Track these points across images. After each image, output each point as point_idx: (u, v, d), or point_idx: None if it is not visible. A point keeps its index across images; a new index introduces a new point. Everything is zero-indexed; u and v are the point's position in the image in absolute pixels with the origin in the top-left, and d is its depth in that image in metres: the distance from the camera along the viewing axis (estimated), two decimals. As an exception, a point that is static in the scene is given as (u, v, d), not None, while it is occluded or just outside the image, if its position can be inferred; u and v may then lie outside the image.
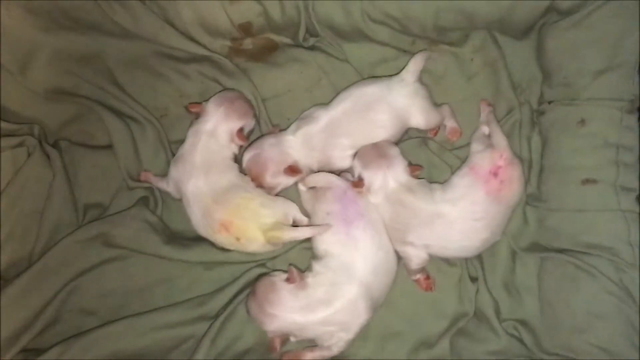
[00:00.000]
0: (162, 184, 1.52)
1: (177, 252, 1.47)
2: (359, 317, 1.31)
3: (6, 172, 1.51)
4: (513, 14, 1.46)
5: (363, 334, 1.41)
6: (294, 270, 1.32)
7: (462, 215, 1.34)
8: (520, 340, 1.39)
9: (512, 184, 1.37)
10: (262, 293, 1.32)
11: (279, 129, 1.55)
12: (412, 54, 1.57)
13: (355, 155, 1.44)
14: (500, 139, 1.40)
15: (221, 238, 1.40)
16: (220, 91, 1.55)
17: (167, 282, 1.48)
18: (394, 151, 1.42)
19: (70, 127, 1.61)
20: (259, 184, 1.45)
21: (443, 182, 1.44)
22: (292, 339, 1.33)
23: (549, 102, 1.47)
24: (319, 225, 1.37)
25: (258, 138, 1.51)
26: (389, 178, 1.38)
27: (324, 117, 1.46)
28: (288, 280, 1.33)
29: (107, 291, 1.46)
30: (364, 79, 1.58)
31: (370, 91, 1.46)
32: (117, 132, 1.55)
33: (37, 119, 1.59)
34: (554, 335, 1.35)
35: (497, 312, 1.42)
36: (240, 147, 1.50)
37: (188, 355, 1.38)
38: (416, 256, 1.39)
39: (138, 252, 1.47)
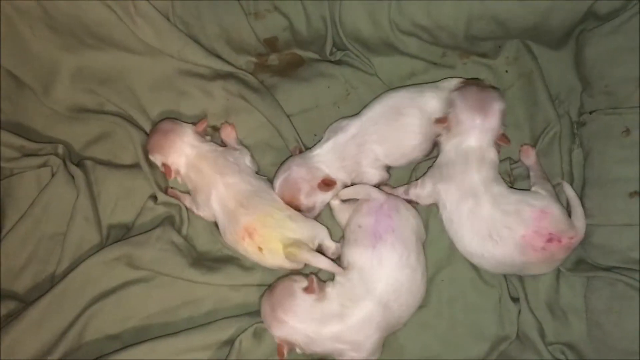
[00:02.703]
0: (191, 205, 1.48)
1: (202, 275, 1.41)
2: (371, 336, 1.24)
3: (30, 192, 1.50)
4: (549, 19, 1.40)
5: (396, 357, 1.36)
6: (314, 280, 1.26)
7: (486, 224, 1.27)
8: (568, 366, 1.30)
9: (549, 262, 1.28)
10: (278, 296, 1.27)
11: (299, 149, 1.50)
12: (443, 66, 1.53)
13: (457, 91, 1.38)
14: (581, 219, 1.30)
15: (245, 246, 1.35)
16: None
17: (191, 304, 1.42)
18: (498, 106, 1.34)
19: (94, 147, 1.59)
20: (297, 208, 1.39)
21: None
22: (298, 350, 1.26)
23: (590, 112, 1.41)
24: (337, 265, 1.30)
25: (284, 161, 1.46)
26: (480, 135, 1.33)
27: (354, 125, 1.41)
28: (307, 290, 1.26)
29: (130, 314, 1.40)
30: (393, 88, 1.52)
31: (401, 95, 1.43)
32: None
33: (60, 139, 1.57)
34: (604, 358, 1.26)
35: (542, 334, 1.32)
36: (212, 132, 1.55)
37: (211, 380, 1.32)
38: (425, 196, 1.37)
39: (162, 274, 1.42)
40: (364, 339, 1.24)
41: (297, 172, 1.39)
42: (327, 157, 1.40)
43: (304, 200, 1.39)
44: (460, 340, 1.37)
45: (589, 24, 1.41)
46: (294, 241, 1.32)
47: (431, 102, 1.41)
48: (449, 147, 1.36)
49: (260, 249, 1.33)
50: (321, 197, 1.40)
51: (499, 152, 1.36)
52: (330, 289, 1.27)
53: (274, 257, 1.33)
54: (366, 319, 1.23)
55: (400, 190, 1.42)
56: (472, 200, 1.28)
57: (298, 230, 1.34)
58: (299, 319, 1.23)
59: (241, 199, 1.36)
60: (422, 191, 1.38)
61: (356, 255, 1.29)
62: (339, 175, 1.40)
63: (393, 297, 1.25)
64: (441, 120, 1.36)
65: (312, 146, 1.46)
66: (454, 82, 1.45)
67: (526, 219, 1.25)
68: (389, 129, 1.41)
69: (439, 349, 1.37)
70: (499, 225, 1.26)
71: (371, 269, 1.26)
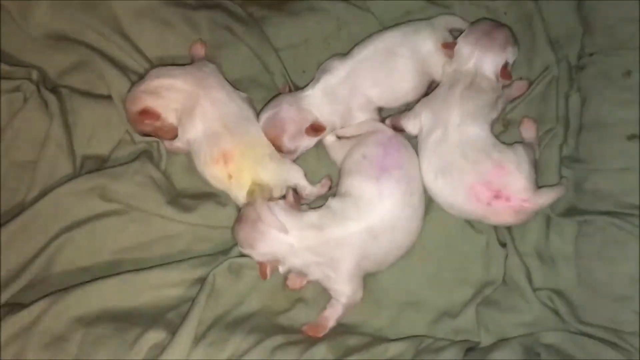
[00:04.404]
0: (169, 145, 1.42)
1: (178, 213, 1.36)
2: (346, 258, 1.20)
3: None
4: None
5: (377, 301, 1.31)
6: (292, 193, 1.26)
7: (444, 160, 1.24)
8: (555, 312, 1.24)
9: (495, 218, 1.24)
10: (253, 211, 1.23)
11: (288, 87, 1.45)
12: (440, 5, 1.48)
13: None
14: (550, 191, 1.25)
15: (215, 171, 1.31)
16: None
17: (166, 241, 1.36)
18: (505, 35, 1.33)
19: (71, 75, 1.50)
20: (278, 149, 1.33)
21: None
22: (281, 268, 1.23)
23: (590, 55, 1.36)
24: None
25: (273, 97, 1.40)
26: (478, 59, 1.30)
27: (345, 66, 1.36)
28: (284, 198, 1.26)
29: (102, 247, 1.34)
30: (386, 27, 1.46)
31: (394, 34, 1.38)
32: (118, 88, 1.45)
33: (36, 65, 1.49)
34: (594, 305, 1.21)
35: (529, 279, 1.27)
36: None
37: (187, 317, 1.26)
38: (412, 125, 1.32)
39: (137, 209, 1.36)
40: (339, 257, 1.20)
41: (286, 111, 1.33)
42: (318, 100, 1.35)
43: (287, 143, 1.33)
44: (445, 284, 1.32)
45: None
46: (262, 185, 1.29)
47: (427, 42, 1.37)
48: (445, 74, 1.33)
49: (230, 177, 1.29)
50: (306, 142, 1.36)
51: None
52: (313, 211, 1.25)
53: (238, 189, 1.30)
54: (346, 238, 1.20)
55: (388, 120, 1.37)
56: (441, 132, 1.25)
57: (273, 171, 1.31)
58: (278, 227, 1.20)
59: (228, 122, 1.32)
60: (407, 120, 1.33)
61: (356, 183, 1.26)
62: (331, 119, 1.35)
63: (387, 232, 1.22)
64: (449, 45, 1.33)
65: (304, 86, 1.40)
66: (450, 20, 1.41)
67: (481, 170, 1.21)
68: (382, 70, 1.36)
69: (422, 294, 1.32)
70: (455, 165, 1.23)
71: (370, 199, 1.23)
